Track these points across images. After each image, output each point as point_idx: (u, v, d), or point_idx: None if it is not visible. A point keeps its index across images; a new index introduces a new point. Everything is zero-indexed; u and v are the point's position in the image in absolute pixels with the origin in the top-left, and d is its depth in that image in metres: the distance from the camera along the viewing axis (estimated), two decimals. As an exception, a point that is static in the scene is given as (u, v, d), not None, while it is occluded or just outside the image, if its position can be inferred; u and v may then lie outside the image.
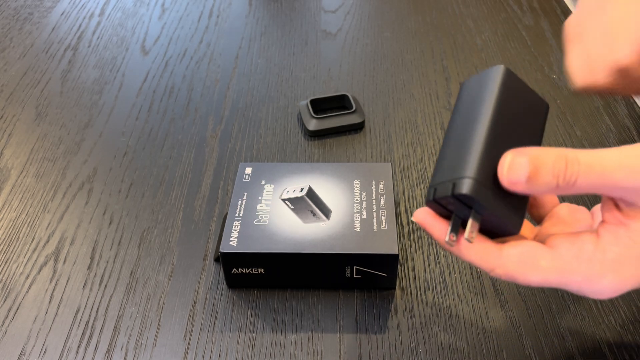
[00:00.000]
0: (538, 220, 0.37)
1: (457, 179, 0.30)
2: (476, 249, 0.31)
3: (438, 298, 0.45)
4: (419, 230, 0.50)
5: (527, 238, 0.35)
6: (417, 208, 0.52)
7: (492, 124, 0.31)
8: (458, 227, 0.32)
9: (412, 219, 0.33)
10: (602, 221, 0.31)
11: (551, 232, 0.34)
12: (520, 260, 0.31)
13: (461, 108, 0.33)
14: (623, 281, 0.30)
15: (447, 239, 0.31)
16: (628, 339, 0.42)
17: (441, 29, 0.78)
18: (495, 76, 0.32)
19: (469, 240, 0.30)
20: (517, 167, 0.29)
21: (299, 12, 0.83)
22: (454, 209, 0.31)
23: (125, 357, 0.42)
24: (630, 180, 0.28)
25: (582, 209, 0.35)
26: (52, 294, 0.46)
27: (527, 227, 0.35)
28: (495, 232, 0.32)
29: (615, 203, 0.30)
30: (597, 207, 0.35)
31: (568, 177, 0.28)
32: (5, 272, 0.48)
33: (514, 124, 0.32)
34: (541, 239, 0.34)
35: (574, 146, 0.58)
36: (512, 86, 0.32)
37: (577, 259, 0.30)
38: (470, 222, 0.30)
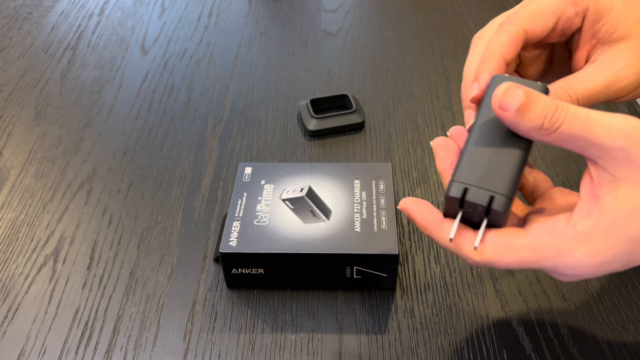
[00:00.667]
0: (531, 203, 0.37)
1: (497, 194, 0.31)
2: (455, 237, 0.32)
3: (438, 298, 0.45)
4: (419, 231, 0.50)
5: (519, 216, 0.35)
6: (417, 208, 0.52)
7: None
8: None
9: (398, 207, 0.34)
10: (579, 198, 0.31)
11: (540, 209, 0.35)
12: (495, 244, 0.31)
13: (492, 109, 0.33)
14: (595, 254, 0.30)
15: (452, 235, 0.32)
16: (629, 339, 0.42)
17: (442, 29, 0.78)
18: (537, 89, 0.33)
19: (475, 248, 0.31)
20: (511, 94, 0.30)
21: (299, 11, 0.82)
22: (467, 210, 0.32)
23: (124, 357, 0.42)
24: (606, 137, 0.29)
25: (575, 193, 0.35)
26: (51, 294, 0.46)
27: (518, 206, 0.36)
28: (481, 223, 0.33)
29: (591, 175, 0.30)
30: None
31: (554, 119, 0.29)
32: (4, 272, 0.48)
33: None
34: (530, 214, 0.35)
35: (574, 146, 0.58)
36: None
37: (549, 234, 0.31)
38: (480, 232, 0.32)
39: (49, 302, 0.46)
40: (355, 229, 0.44)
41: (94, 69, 0.72)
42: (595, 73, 0.36)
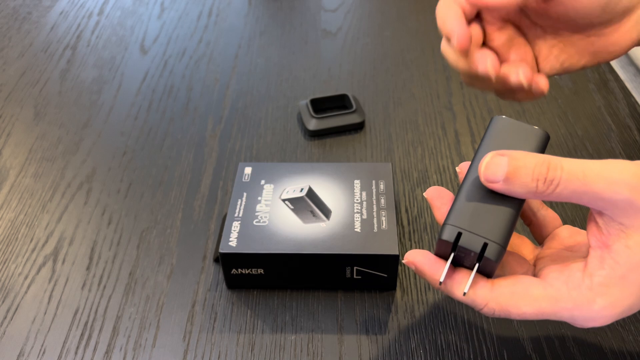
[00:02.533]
0: (540, 241, 0.37)
1: (490, 241, 0.31)
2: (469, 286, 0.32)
3: (439, 299, 0.45)
4: (420, 231, 0.50)
5: (527, 258, 0.36)
6: (417, 208, 0.52)
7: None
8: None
9: (404, 261, 0.33)
10: (589, 247, 0.31)
11: (549, 254, 0.35)
12: (512, 292, 0.31)
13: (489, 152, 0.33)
14: (613, 304, 0.30)
15: (441, 279, 0.32)
16: (629, 339, 0.42)
17: (441, 28, 0.77)
18: (534, 140, 0.33)
19: (464, 295, 0.31)
20: (494, 166, 0.30)
21: (298, 11, 0.82)
22: (458, 254, 0.32)
23: (124, 358, 0.42)
24: (609, 191, 0.28)
25: (582, 232, 0.35)
26: (50, 294, 0.46)
27: (528, 247, 0.36)
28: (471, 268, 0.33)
29: (597, 224, 0.30)
30: None
31: (548, 182, 0.29)
32: (4, 273, 0.48)
33: None
34: (540, 259, 0.35)
35: (575, 146, 0.58)
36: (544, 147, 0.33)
37: (567, 285, 0.30)
38: (471, 277, 0.31)
39: (48, 303, 0.45)
40: (355, 229, 0.44)
41: (94, 69, 0.72)
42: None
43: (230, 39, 0.76)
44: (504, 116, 0.34)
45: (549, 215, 0.37)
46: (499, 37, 0.38)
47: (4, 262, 0.49)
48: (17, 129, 0.63)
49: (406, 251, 0.49)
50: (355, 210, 0.46)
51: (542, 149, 0.33)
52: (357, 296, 0.45)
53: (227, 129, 0.62)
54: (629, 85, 0.68)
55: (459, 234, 0.31)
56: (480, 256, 0.31)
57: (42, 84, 0.69)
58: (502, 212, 0.31)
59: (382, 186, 0.48)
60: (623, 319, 0.43)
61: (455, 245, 0.31)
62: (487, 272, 0.32)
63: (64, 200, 0.54)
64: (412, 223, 0.51)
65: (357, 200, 0.47)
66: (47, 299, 0.46)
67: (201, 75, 0.70)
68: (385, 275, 0.44)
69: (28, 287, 0.47)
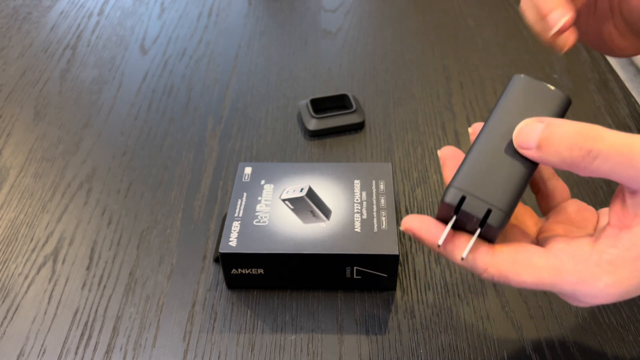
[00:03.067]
0: (545, 212, 0.36)
1: (495, 207, 0.29)
2: (447, 244, 0.31)
3: (439, 299, 0.45)
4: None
5: (530, 230, 0.34)
6: (417, 208, 0.52)
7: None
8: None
9: (401, 228, 0.32)
10: (608, 224, 0.30)
11: (554, 228, 0.33)
12: (513, 259, 0.30)
13: (507, 113, 0.31)
14: (618, 283, 0.29)
15: (440, 242, 0.31)
16: (629, 340, 0.42)
17: (442, 28, 0.78)
18: (554, 102, 0.31)
19: (462, 260, 0.30)
20: (529, 131, 0.28)
21: (298, 11, 0.82)
22: (460, 217, 0.31)
23: (124, 358, 0.42)
24: None
25: (591, 209, 0.34)
26: (50, 294, 0.46)
27: (531, 217, 0.35)
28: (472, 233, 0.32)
29: (625, 204, 0.29)
30: (604, 210, 0.34)
31: (586, 151, 0.27)
32: (4, 273, 0.48)
33: None
34: (543, 234, 0.33)
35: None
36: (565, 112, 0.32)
37: (573, 258, 0.29)
38: (471, 242, 0.30)
39: (48, 303, 0.45)
40: (355, 229, 0.44)
41: (94, 69, 0.72)
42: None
43: (230, 39, 0.76)
44: (523, 75, 0.32)
45: (558, 186, 0.35)
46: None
47: (4, 262, 0.49)
48: (17, 129, 0.63)
49: (406, 251, 0.49)
50: (355, 210, 0.46)
51: (562, 113, 0.31)
52: (357, 296, 0.45)
53: (227, 129, 0.62)
54: (629, 85, 0.68)
55: (463, 198, 0.30)
56: (483, 222, 0.30)
57: (42, 84, 0.69)
58: (511, 178, 0.30)
59: (382, 186, 0.48)
60: (623, 319, 0.43)
61: (458, 208, 0.30)
62: (488, 238, 0.31)
63: (64, 200, 0.54)
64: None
65: (357, 200, 0.47)
66: (47, 299, 0.46)
67: (201, 75, 0.70)
68: (385, 276, 0.44)
69: (28, 287, 0.47)
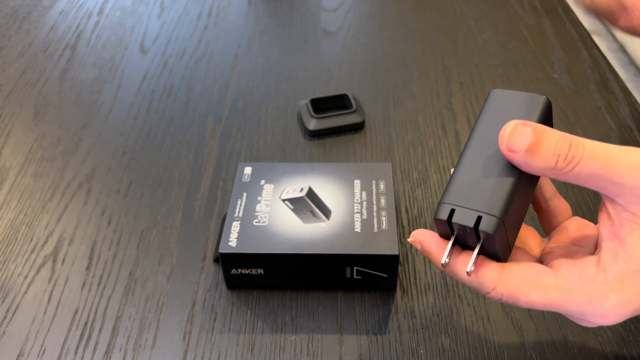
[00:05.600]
0: (547, 231, 0.36)
1: (485, 213, 0.29)
2: (476, 267, 0.31)
3: (439, 299, 0.45)
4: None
5: (534, 251, 0.35)
6: (417, 208, 0.52)
7: None
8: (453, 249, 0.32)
9: (409, 240, 0.32)
10: (601, 239, 0.30)
11: (556, 248, 0.34)
12: (522, 277, 0.30)
13: (489, 125, 0.32)
14: (627, 301, 0.29)
15: (444, 261, 0.31)
16: (629, 340, 0.42)
17: (442, 28, 0.77)
18: (536, 107, 0.31)
19: (469, 274, 0.30)
20: (518, 134, 0.28)
21: (298, 10, 0.82)
22: (459, 233, 0.31)
23: (124, 358, 0.42)
24: (629, 176, 0.28)
25: (591, 225, 0.34)
26: (50, 294, 0.46)
27: (535, 239, 0.35)
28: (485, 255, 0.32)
29: (609, 214, 0.29)
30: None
31: (569, 158, 0.28)
32: (3, 273, 0.48)
33: None
34: (546, 254, 0.33)
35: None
36: (549, 121, 0.32)
37: (580, 278, 0.29)
38: (474, 255, 0.30)
39: (48, 303, 0.45)
40: (355, 229, 0.44)
41: (93, 69, 0.72)
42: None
43: (230, 39, 0.76)
44: (499, 89, 0.33)
45: (560, 205, 0.35)
46: None
47: (4, 262, 0.49)
48: (16, 129, 0.63)
49: (406, 251, 0.48)
50: (355, 210, 0.46)
51: (546, 116, 0.32)
52: (357, 296, 0.45)
53: (227, 129, 0.62)
54: (629, 85, 0.68)
55: (452, 211, 0.30)
56: (478, 232, 0.29)
57: (41, 83, 0.69)
58: (499, 185, 0.30)
59: (382, 186, 0.48)
60: (624, 320, 0.43)
61: (450, 222, 0.30)
62: (493, 252, 0.31)
63: (64, 200, 0.54)
64: (412, 223, 0.51)
65: (357, 200, 0.46)
66: (47, 299, 0.46)
67: (201, 75, 0.70)
68: (385, 276, 0.44)
69: (28, 287, 0.47)
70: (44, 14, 0.83)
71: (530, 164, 0.28)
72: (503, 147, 0.29)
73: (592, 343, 0.42)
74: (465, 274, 0.30)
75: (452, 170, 0.33)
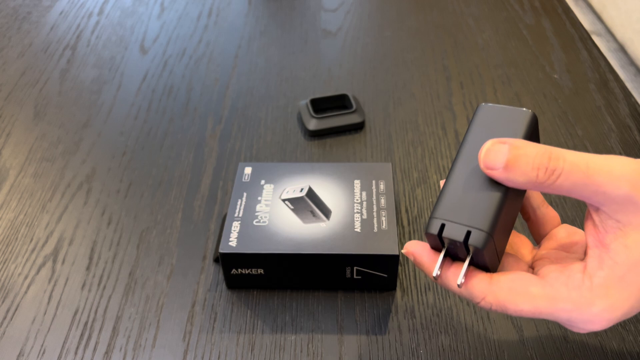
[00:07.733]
0: (537, 240, 0.37)
1: (474, 228, 0.30)
2: (466, 278, 0.32)
3: (439, 299, 0.45)
4: (420, 231, 0.50)
5: (525, 258, 0.35)
6: (417, 208, 0.52)
7: None
8: (444, 260, 0.33)
9: (403, 251, 0.33)
10: (587, 247, 0.31)
11: (546, 255, 0.34)
12: (511, 288, 0.30)
13: (477, 140, 0.33)
14: (613, 307, 0.29)
15: (435, 273, 0.32)
16: (629, 340, 0.42)
17: (442, 28, 0.77)
18: (522, 122, 0.32)
19: (459, 286, 0.31)
20: (495, 153, 0.29)
21: (298, 11, 0.82)
22: (450, 246, 0.31)
23: (124, 358, 0.42)
24: (611, 185, 0.28)
25: (579, 231, 0.35)
26: (50, 294, 0.46)
27: (526, 246, 0.36)
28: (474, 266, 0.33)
29: (594, 222, 0.30)
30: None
31: (550, 171, 0.28)
32: (3, 273, 0.48)
33: None
34: (537, 262, 0.34)
35: (575, 146, 0.58)
36: (535, 135, 0.33)
37: (566, 286, 0.30)
38: (464, 268, 0.31)
39: (48, 303, 0.45)
40: (355, 229, 0.44)
41: (93, 69, 0.72)
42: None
43: (230, 39, 0.76)
44: (489, 103, 0.34)
45: (548, 214, 0.36)
46: None
47: (4, 262, 0.49)
48: (17, 129, 0.63)
49: (406, 251, 0.49)
50: (355, 210, 0.46)
51: (532, 130, 0.32)
52: (357, 296, 0.45)
53: (227, 129, 0.62)
54: (629, 85, 0.68)
55: (442, 225, 0.31)
56: (467, 245, 0.30)
57: (42, 83, 0.69)
58: (487, 200, 0.30)
59: (382, 186, 0.48)
60: (624, 319, 0.43)
61: (440, 237, 0.31)
62: (482, 264, 0.32)
63: (64, 200, 0.54)
64: (412, 223, 0.51)
65: (357, 200, 0.46)
66: (47, 299, 0.46)
67: (201, 75, 0.70)
68: (385, 276, 0.44)
69: (28, 287, 0.47)
70: (44, 14, 0.83)
71: (511, 179, 0.29)
72: (482, 166, 0.30)
73: (592, 343, 0.42)
74: (456, 285, 0.31)
75: (442, 183, 0.34)
